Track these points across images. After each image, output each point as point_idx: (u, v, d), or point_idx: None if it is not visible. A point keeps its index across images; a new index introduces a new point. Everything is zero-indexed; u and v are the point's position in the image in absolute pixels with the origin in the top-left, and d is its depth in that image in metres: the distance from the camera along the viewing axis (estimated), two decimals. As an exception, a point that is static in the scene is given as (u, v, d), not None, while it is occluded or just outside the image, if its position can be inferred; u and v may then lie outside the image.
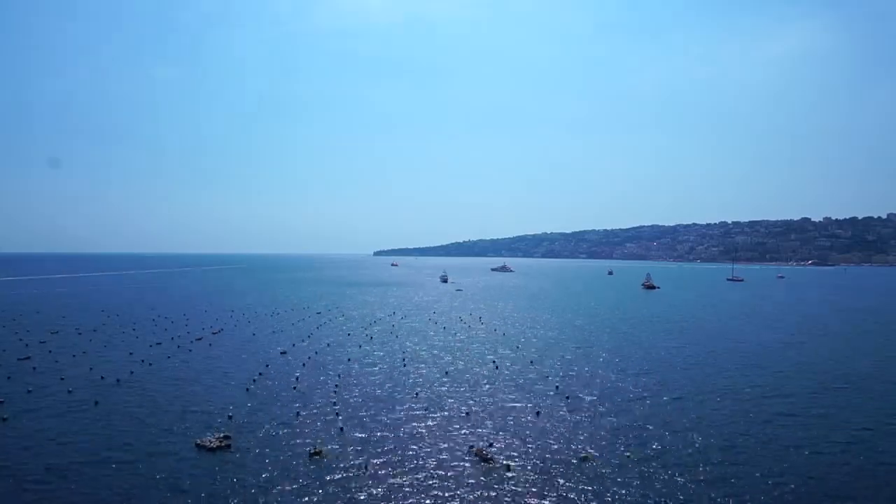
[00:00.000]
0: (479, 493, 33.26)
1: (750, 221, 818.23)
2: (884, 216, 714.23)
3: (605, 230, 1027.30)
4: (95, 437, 42.62)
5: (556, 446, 40.95)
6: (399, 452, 39.66)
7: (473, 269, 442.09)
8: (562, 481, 34.78)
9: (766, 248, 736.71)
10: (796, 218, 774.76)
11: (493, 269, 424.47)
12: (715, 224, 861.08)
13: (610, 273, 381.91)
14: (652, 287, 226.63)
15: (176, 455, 38.86)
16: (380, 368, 68.44)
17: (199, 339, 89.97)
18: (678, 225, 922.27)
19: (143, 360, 71.82)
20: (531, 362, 72.12)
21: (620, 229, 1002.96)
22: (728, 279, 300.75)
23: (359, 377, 63.57)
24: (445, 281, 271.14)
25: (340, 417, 47.78)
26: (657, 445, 41.16)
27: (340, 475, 35.59)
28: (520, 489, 33.70)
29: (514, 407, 51.45)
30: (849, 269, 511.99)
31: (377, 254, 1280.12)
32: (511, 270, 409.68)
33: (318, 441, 41.57)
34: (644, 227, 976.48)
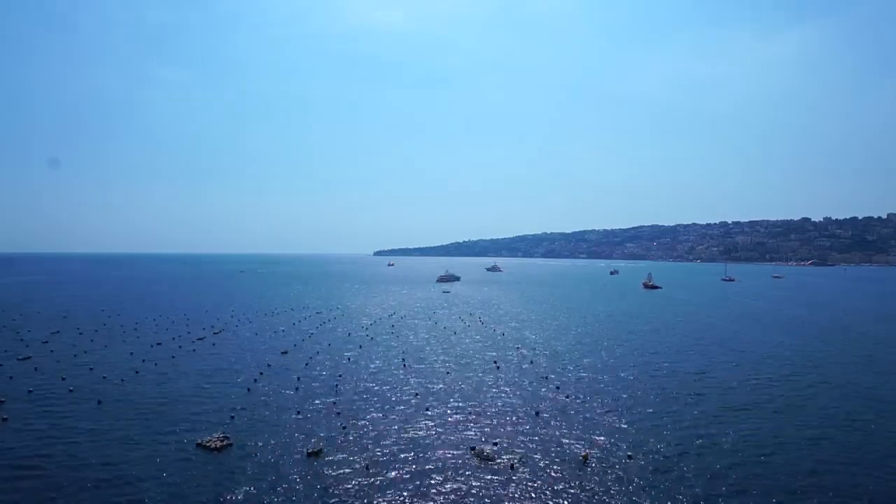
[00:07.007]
0: (479, 492, 33.43)
1: (750, 221, 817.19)
2: (884, 216, 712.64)
3: (605, 230, 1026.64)
4: (97, 437, 42.81)
5: (556, 446, 41.14)
6: (399, 452, 39.85)
7: (467, 270, 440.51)
8: (562, 481, 34.96)
9: (765, 248, 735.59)
10: (796, 218, 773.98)
11: (487, 270, 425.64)
12: (715, 224, 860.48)
13: (613, 273, 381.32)
14: (653, 287, 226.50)
15: (178, 455, 39.07)
16: (380, 368, 68.63)
17: (201, 339, 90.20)
18: (678, 225, 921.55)
19: (144, 360, 72.04)
20: (531, 362, 72.32)
21: (620, 229, 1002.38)
22: (723, 279, 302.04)
23: (359, 377, 63.76)
24: (446, 280, 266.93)
25: (341, 417, 48.01)
26: (657, 445, 41.33)
27: (341, 475, 35.77)
28: (520, 489, 33.87)
29: (515, 407, 51.66)
30: (848, 269, 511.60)
31: (377, 254, 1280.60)
32: (500, 270, 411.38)
33: (319, 441, 41.79)
34: (644, 227, 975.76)
